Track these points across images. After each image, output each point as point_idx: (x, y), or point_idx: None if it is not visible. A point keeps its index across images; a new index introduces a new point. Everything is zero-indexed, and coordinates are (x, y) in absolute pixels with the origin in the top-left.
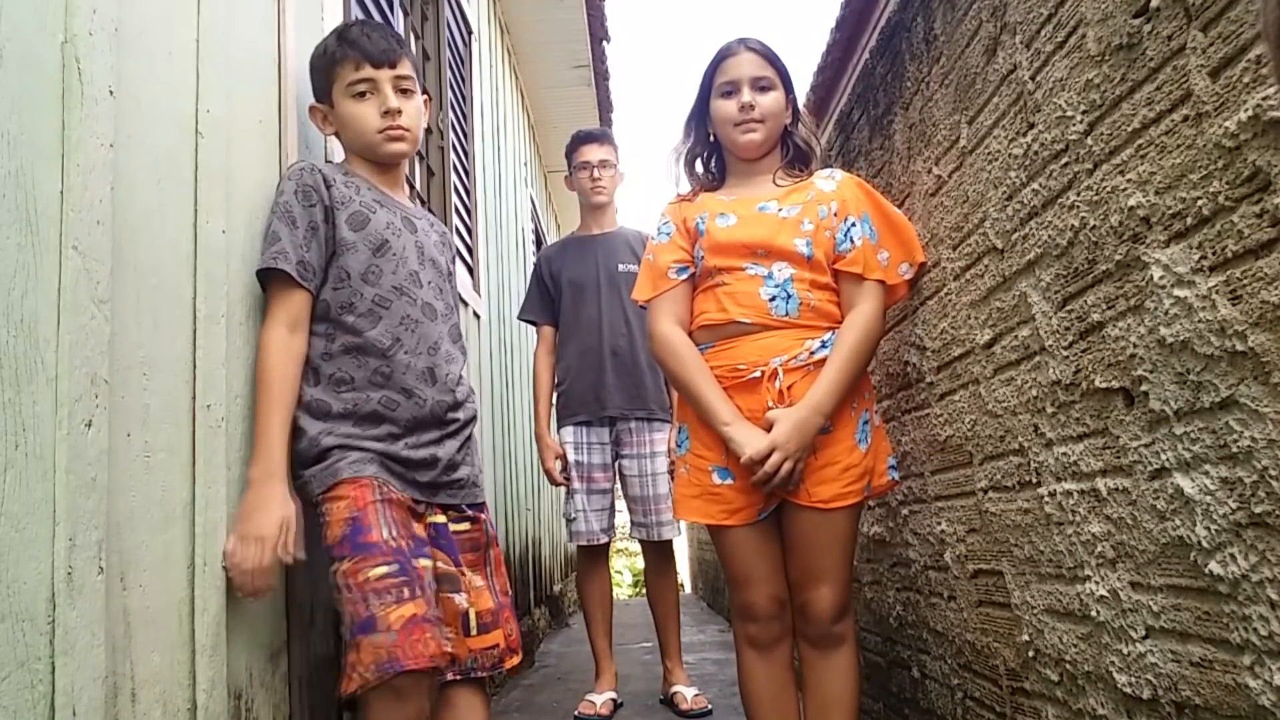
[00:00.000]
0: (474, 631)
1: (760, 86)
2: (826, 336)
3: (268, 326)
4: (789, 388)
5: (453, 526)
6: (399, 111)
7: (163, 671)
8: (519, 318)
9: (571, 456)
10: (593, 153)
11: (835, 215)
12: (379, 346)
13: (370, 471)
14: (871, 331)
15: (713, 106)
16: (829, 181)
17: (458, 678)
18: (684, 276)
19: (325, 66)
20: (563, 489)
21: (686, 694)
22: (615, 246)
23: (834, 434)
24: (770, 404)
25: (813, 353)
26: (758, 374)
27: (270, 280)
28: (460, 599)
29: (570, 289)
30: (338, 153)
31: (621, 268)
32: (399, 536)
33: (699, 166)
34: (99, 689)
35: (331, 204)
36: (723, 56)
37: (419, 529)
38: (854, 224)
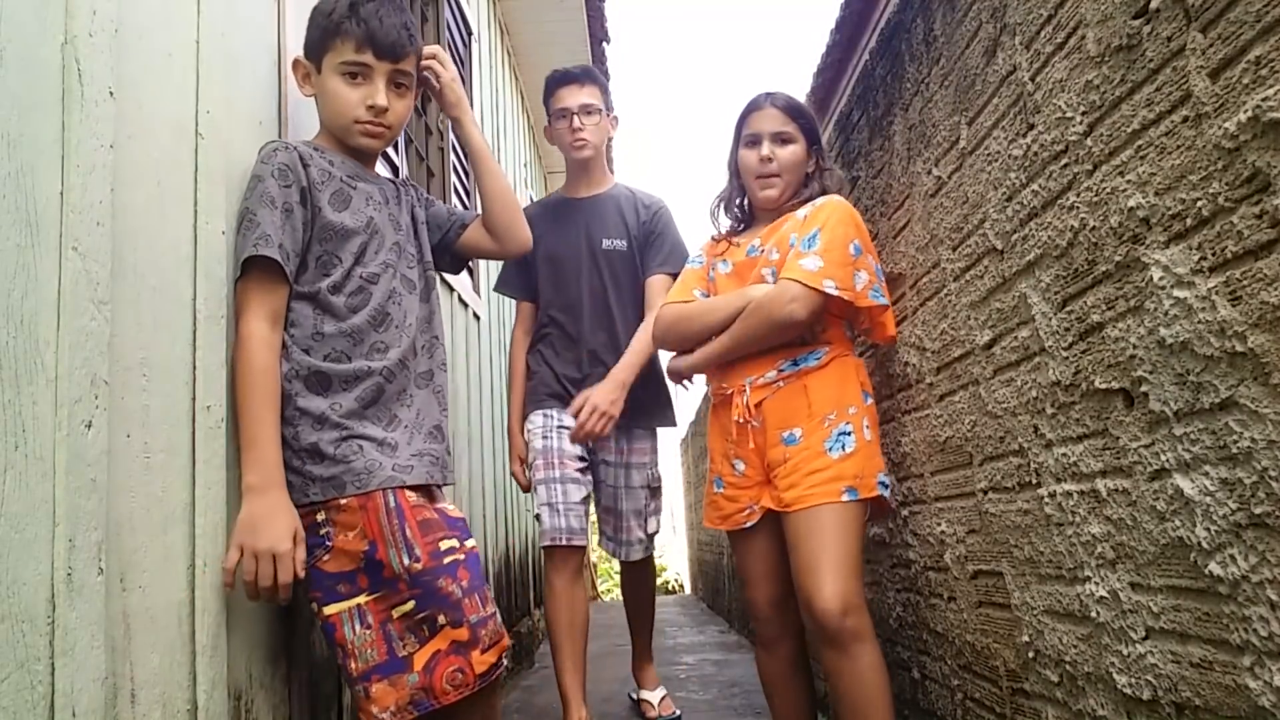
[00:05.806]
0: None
1: (781, 140)
2: (799, 355)
3: (248, 319)
4: (757, 405)
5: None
6: (385, 109)
7: (163, 672)
8: (494, 290)
9: (539, 443)
10: (571, 96)
11: (799, 236)
12: (370, 323)
13: (376, 483)
14: (758, 306)
15: (739, 155)
16: (810, 207)
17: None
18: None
19: (326, 29)
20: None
21: (653, 699)
22: (604, 214)
23: (801, 443)
24: (737, 418)
25: (780, 370)
26: (730, 391)
27: (251, 268)
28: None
29: (548, 265)
30: None
31: (606, 244)
32: (419, 558)
33: (734, 209)
34: (99, 690)
35: (309, 184)
36: (750, 110)
37: (452, 509)
38: (795, 240)
